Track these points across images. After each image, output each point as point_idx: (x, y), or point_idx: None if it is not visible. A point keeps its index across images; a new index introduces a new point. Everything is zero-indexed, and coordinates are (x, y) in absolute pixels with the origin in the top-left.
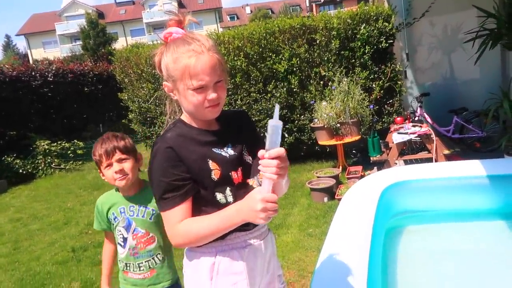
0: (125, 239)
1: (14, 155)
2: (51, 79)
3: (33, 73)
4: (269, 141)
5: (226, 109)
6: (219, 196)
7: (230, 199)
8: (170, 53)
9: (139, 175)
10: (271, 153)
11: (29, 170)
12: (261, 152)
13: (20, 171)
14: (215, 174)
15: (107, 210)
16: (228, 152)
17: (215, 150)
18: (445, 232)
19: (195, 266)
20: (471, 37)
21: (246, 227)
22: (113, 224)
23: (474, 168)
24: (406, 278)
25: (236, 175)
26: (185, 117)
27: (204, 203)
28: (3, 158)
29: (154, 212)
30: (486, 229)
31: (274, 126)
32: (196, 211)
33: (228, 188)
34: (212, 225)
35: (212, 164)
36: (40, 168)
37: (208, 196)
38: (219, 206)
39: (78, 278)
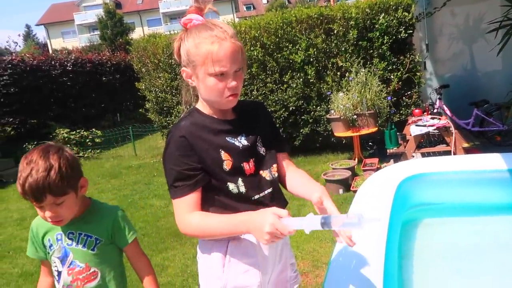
0: (59, 273)
1: (35, 142)
2: (70, 69)
3: (52, 62)
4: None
5: (242, 99)
6: (231, 186)
7: (243, 189)
8: (192, 38)
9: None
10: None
11: None
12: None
13: None
14: (227, 165)
15: (42, 235)
16: (242, 142)
17: (229, 139)
18: (462, 226)
19: (208, 253)
20: (494, 27)
21: None
22: (48, 253)
23: (493, 162)
24: (422, 271)
25: (248, 166)
26: (200, 105)
27: (217, 192)
28: (24, 145)
29: (98, 242)
30: (504, 224)
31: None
32: (210, 200)
33: (240, 179)
34: (219, 228)
35: (224, 155)
36: None
37: (221, 185)
38: (232, 196)
39: None
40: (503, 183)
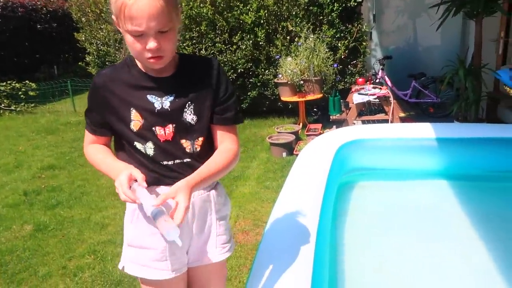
0: None
1: None
2: None
3: None
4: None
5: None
6: (138, 145)
7: (150, 152)
8: None
9: None
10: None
11: None
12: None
13: None
14: (135, 125)
15: None
16: (164, 104)
17: (150, 98)
18: (393, 188)
19: (127, 207)
20: (436, 2)
21: (172, 182)
22: None
23: (425, 131)
24: (354, 229)
25: (162, 132)
26: None
27: (127, 145)
28: None
29: None
30: (431, 188)
31: (154, 212)
32: (120, 145)
33: (150, 142)
34: (100, 166)
35: (134, 114)
36: None
37: (128, 143)
38: (139, 153)
39: (30, 221)
40: (433, 150)
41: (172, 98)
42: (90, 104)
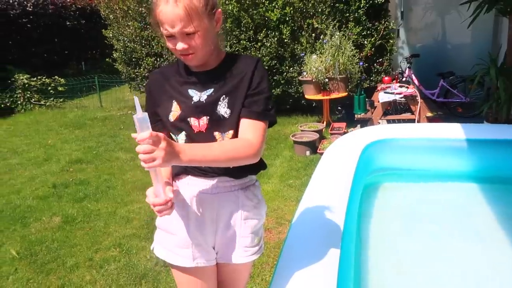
0: None
1: None
2: (30, 9)
3: (10, 1)
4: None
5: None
6: (173, 136)
7: (182, 142)
8: None
9: None
10: (138, 139)
11: (7, 104)
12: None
13: None
14: (173, 116)
15: None
16: (201, 97)
17: (190, 91)
18: (420, 190)
19: None
20: None
21: (199, 173)
22: None
23: (454, 131)
24: (379, 231)
25: (196, 122)
26: None
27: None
28: None
29: None
30: (459, 190)
31: (139, 119)
32: None
33: (184, 133)
34: None
35: (175, 106)
36: (19, 102)
37: (168, 134)
38: None
39: (59, 213)
40: (461, 151)
41: (210, 91)
42: (146, 103)
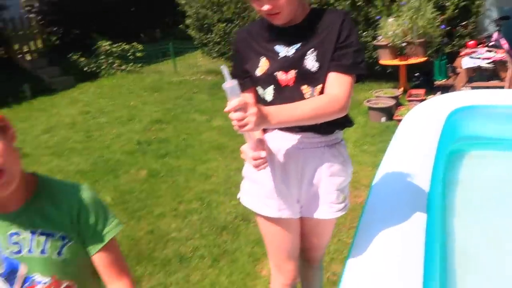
0: None
1: (79, 53)
2: None
3: None
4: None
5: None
6: (260, 90)
7: (269, 97)
8: None
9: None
10: (228, 108)
11: (93, 69)
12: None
13: (85, 69)
14: (261, 70)
15: None
16: (289, 51)
17: (278, 47)
18: (508, 160)
19: None
20: None
21: (289, 128)
22: None
23: None
24: (466, 200)
25: (284, 76)
26: None
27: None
28: (69, 55)
29: (66, 240)
30: None
31: (228, 88)
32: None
33: (272, 87)
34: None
35: (264, 61)
36: (102, 67)
37: (255, 89)
38: (260, 100)
39: (144, 167)
40: None
41: (297, 46)
42: (234, 61)
